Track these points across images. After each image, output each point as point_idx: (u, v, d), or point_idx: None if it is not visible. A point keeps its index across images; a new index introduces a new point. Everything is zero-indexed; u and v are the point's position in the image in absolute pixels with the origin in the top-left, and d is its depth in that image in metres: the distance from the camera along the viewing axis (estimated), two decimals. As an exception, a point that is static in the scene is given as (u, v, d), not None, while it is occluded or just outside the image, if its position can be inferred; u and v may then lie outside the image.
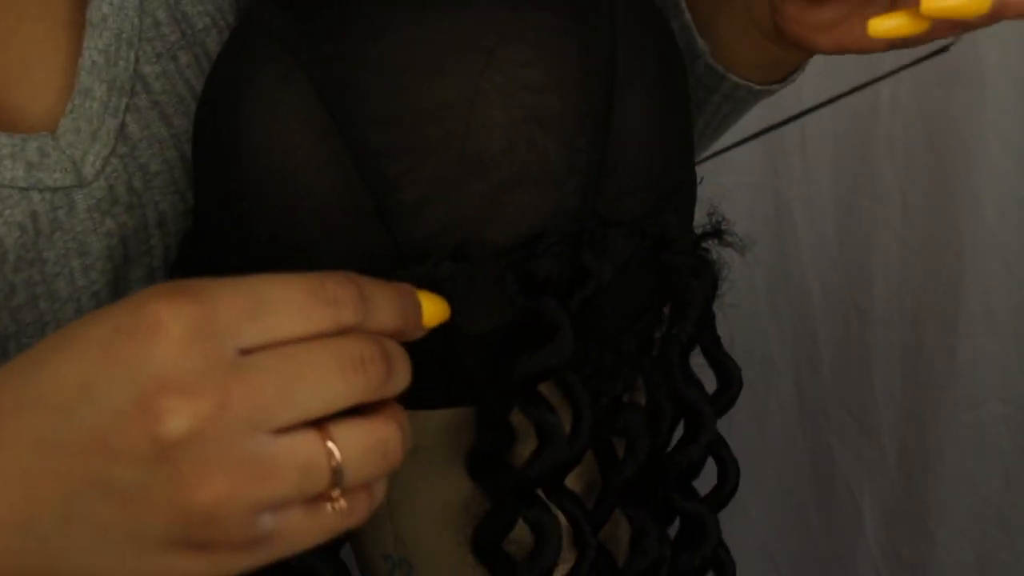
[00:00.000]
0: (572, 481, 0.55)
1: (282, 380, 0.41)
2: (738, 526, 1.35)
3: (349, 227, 0.52)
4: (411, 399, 0.55)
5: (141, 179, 0.64)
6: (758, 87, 0.72)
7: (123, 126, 0.64)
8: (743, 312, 1.30)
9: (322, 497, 0.43)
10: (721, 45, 0.70)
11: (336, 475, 0.42)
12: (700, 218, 0.61)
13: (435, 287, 0.50)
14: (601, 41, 0.53)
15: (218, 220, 0.56)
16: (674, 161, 0.56)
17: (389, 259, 0.51)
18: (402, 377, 0.45)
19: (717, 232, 0.61)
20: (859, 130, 1.23)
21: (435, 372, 0.53)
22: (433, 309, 0.48)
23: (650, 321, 0.56)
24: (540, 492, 0.53)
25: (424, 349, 0.51)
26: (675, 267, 0.55)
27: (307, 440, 0.42)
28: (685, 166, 0.57)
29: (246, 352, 0.41)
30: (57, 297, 0.62)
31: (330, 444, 0.42)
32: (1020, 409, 1.27)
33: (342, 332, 0.43)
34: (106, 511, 0.42)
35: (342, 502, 0.43)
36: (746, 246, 0.61)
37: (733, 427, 1.30)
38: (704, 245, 0.60)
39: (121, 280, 0.65)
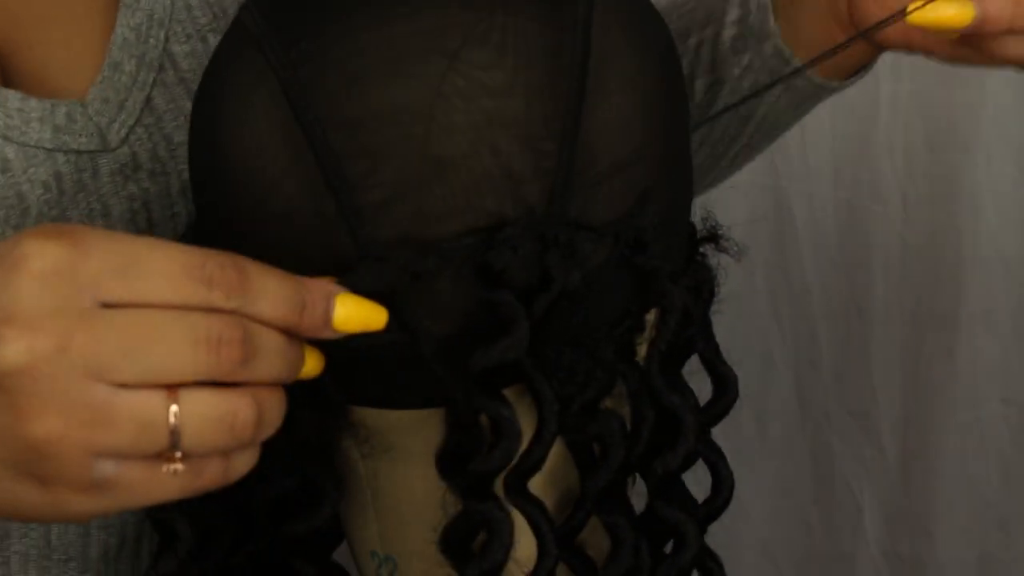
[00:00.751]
0: (548, 488, 0.55)
1: (127, 337, 0.42)
2: (738, 526, 1.35)
3: (313, 228, 0.52)
4: (387, 399, 0.55)
5: (165, 148, 0.68)
6: (818, 80, 0.72)
7: (149, 99, 0.68)
8: (743, 312, 1.30)
9: (162, 457, 0.44)
10: (793, 26, 0.71)
11: (174, 436, 0.43)
12: (695, 222, 0.61)
13: (391, 291, 0.50)
14: (572, 43, 0.52)
15: (204, 212, 0.57)
16: (655, 164, 0.55)
17: (352, 261, 0.51)
18: (267, 368, 0.45)
19: (712, 237, 0.60)
20: (859, 130, 1.24)
21: (403, 374, 0.53)
22: (355, 313, 0.48)
23: (630, 327, 0.56)
24: (502, 490, 0.53)
25: (391, 351, 0.52)
26: (651, 272, 0.55)
27: (148, 397, 0.43)
28: (672, 168, 0.57)
29: (107, 307, 0.42)
30: None
31: (173, 407, 0.43)
32: (1020, 409, 1.28)
33: (211, 311, 0.44)
34: None
35: (179, 465, 0.44)
36: (742, 251, 0.61)
37: (733, 427, 1.30)
38: (700, 250, 0.60)
39: None
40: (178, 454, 0.44)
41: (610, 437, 0.54)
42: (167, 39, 0.69)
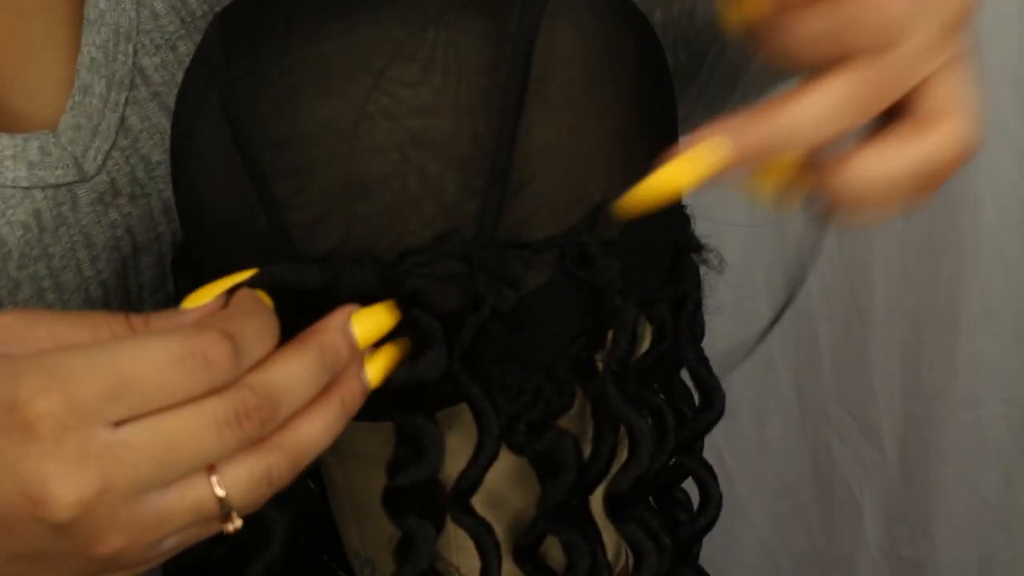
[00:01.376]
0: (503, 505, 0.55)
1: (157, 452, 0.43)
2: (738, 526, 1.35)
3: (250, 243, 0.52)
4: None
5: (144, 170, 0.66)
6: None
7: (123, 119, 0.65)
8: (743, 313, 1.30)
9: (218, 520, 0.46)
10: None
11: (225, 506, 0.45)
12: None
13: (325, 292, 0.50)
14: (511, 57, 0.51)
15: (182, 224, 0.58)
16: (610, 178, 0.53)
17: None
18: (294, 401, 0.46)
19: (695, 246, 0.60)
20: (859, 129, 1.23)
21: None
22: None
23: (585, 344, 0.55)
24: (431, 503, 0.53)
25: None
26: (601, 288, 0.53)
27: (193, 485, 0.45)
28: (636, 181, 0.55)
29: (120, 423, 0.43)
30: (65, 289, 0.64)
31: (215, 484, 0.45)
32: (1020, 409, 1.27)
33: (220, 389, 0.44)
34: (17, 570, 0.45)
35: (238, 522, 0.46)
36: (722, 261, 0.60)
37: (733, 427, 1.30)
38: (686, 260, 0.59)
39: (130, 269, 0.66)
40: (231, 514, 0.46)
41: (561, 455, 0.54)
42: (136, 53, 0.66)
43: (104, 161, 0.65)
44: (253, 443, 0.45)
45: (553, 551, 0.57)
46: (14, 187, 0.62)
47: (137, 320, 0.47)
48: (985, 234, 1.23)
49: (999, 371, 1.26)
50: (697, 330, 0.59)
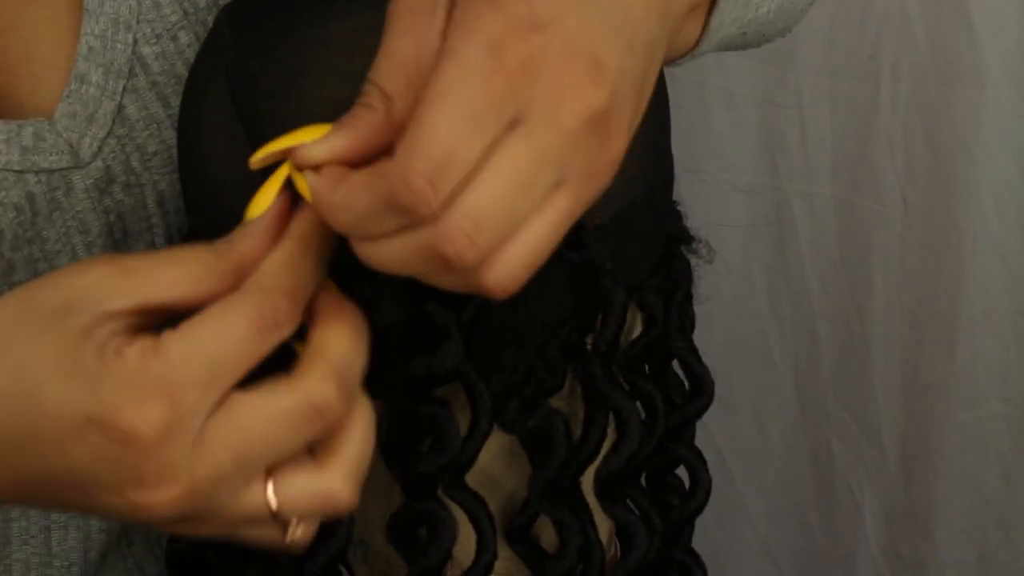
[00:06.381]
0: (495, 486, 0.56)
1: (238, 452, 0.45)
2: (738, 525, 1.35)
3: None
4: None
5: (139, 159, 0.66)
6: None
7: (120, 108, 0.66)
8: (743, 312, 1.30)
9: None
10: None
11: (277, 517, 0.47)
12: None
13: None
14: None
15: (184, 199, 0.59)
16: None
17: None
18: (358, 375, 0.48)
19: (685, 238, 0.60)
20: (859, 130, 1.24)
21: None
22: None
23: (576, 326, 0.56)
24: (441, 487, 0.54)
25: None
26: (591, 270, 0.54)
27: (252, 496, 0.47)
28: (628, 168, 0.56)
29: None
30: None
31: (271, 498, 0.47)
32: (1020, 409, 1.28)
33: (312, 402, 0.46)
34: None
35: (298, 530, 0.48)
36: (711, 251, 0.60)
37: (733, 427, 1.30)
38: (677, 250, 0.60)
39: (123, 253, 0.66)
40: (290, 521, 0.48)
41: (552, 433, 0.55)
42: (135, 42, 0.66)
43: (100, 148, 0.65)
44: (323, 436, 0.46)
45: (545, 536, 0.58)
46: (7, 170, 0.62)
47: (223, 246, 0.47)
48: (985, 234, 1.23)
49: (999, 370, 1.27)
50: (687, 321, 0.60)
